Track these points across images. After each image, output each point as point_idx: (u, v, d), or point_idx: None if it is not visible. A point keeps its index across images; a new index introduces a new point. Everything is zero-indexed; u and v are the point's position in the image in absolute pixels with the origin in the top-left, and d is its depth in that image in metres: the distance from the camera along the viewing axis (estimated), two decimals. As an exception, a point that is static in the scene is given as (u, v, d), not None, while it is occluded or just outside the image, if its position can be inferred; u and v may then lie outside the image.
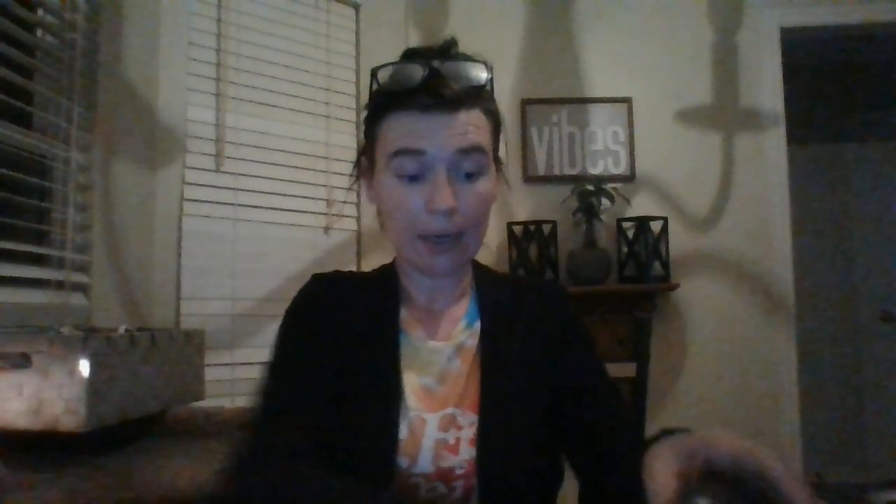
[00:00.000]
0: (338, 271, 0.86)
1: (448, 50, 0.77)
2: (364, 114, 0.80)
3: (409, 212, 0.73)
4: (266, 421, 0.73)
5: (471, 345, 0.80)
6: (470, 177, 0.73)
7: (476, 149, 0.72)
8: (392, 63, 0.74)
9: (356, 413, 0.74)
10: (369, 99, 0.77)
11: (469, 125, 0.72)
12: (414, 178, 0.72)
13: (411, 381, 0.77)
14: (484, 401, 0.75)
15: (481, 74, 0.75)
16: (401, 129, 0.73)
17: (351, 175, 0.86)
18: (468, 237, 0.75)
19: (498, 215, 2.54)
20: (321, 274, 0.85)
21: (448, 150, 0.71)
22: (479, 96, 0.75)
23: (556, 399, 0.79)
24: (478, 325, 0.81)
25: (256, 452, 0.69)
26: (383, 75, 0.74)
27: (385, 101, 0.74)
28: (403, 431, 0.73)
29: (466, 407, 0.76)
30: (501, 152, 0.83)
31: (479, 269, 0.87)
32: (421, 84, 0.71)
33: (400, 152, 0.72)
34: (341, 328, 0.79)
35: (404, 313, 0.82)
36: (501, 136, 0.82)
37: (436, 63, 0.73)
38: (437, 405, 0.76)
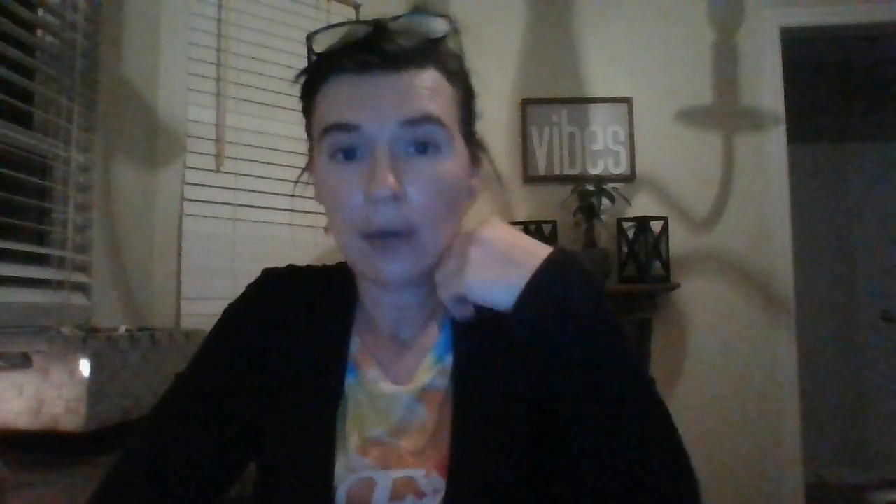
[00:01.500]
0: (292, 267, 0.71)
1: (409, 12, 0.60)
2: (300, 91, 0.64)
3: (345, 204, 0.57)
4: (138, 447, 0.61)
5: (439, 387, 0.62)
6: (422, 153, 0.57)
7: (427, 118, 0.57)
8: (333, 25, 0.60)
9: (284, 468, 0.60)
10: (304, 68, 0.63)
11: (419, 88, 0.57)
12: (350, 158, 0.58)
13: (356, 434, 0.60)
14: (455, 461, 0.57)
15: (438, 27, 0.60)
16: (334, 98, 0.58)
17: (303, 172, 0.69)
18: (424, 234, 0.57)
19: (497, 215, 2.54)
20: (273, 270, 0.71)
21: (389, 121, 0.56)
22: (436, 53, 0.60)
23: (549, 433, 0.59)
24: (450, 359, 0.63)
25: (113, 485, 0.59)
26: (322, 42, 0.60)
27: (320, 65, 0.60)
28: (342, 499, 0.57)
29: (431, 467, 0.58)
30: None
31: None
32: (361, 40, 0.57)
33: (330, 129, 0.57)
34: (280, 346, 0.65)
35: (357, 342, 0.65)
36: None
37: (385, 20, 0.59)
38: (391, 461, 0.59)
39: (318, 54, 0.60)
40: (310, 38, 0.60)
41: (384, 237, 0.57)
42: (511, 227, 0.59)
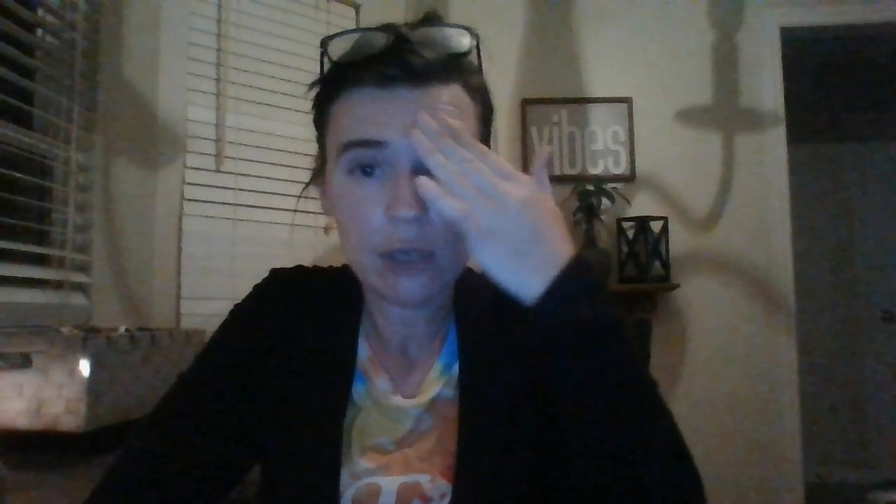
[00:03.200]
0: (301, 268, 0.70)
1: (426, 20, 0.59)
2: (314, 97, 0.62)
3: (364, 221, 0.56)
4: (138, 447, 0.60)
5: (446, 397, 0.62)
6: None
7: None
8: (349, 31, 0.58)
9: (290, 474, 0.60)
10: (319, 77, 0.61)
11: (444, 105, 0.55)
12: (369, 174, 0.56)
13: (362, 441, 0.61)
14: (461, 466, 0.57)
15: (462, 40, 0.58)
16: (354, 113, 0.56)
17: (310, 182, 0.66)
18: (443, 255, 0.56)
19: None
20: (281, 270, 0.69)
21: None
22: (459, 68, 0.58)
23: (554, 437, 0.58)
24: (456, 369, 0.63)
25: (108, 488, 0.58)
26: (337, 48, 0.58)
27: (337, 76, 0.58)
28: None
29: (437, 472, 0.58)
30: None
31: (460, 282, 0.67)
32: (382, 52, 0.56)
33: (352, 144, 0.55)
34: (287, 348, 0.64)
35: (366, 350, 0.65)
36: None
37: (404, 30, 0.57)
38: (397, 468, 0.59)
39: (334, 62, 0.58)
40: (324, 44, 0.58)
41: (403, 257, 0.55)
42: (544, 199, 0.56)
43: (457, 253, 0.57)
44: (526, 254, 0.51)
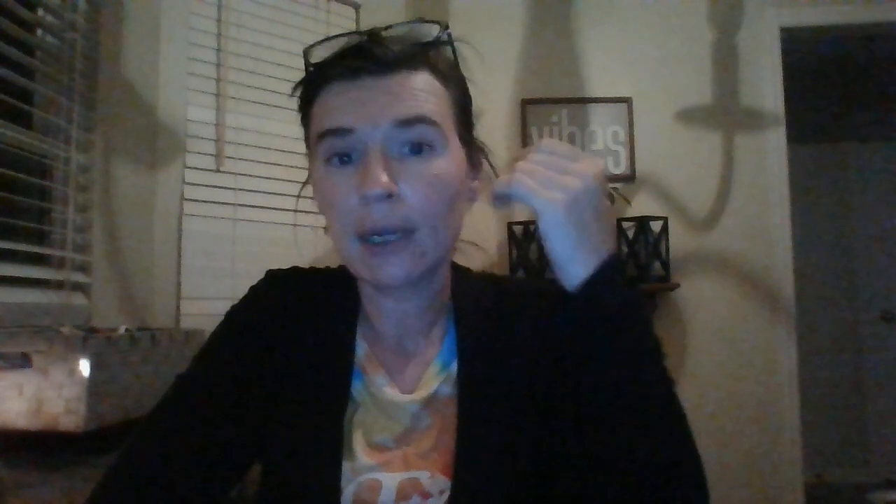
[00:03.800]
0: (296, 269, 0.71)
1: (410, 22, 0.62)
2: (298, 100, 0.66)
3: (340, 206, 0.57)
4: (138, 448, 0.60)
5: (445, 394, 0.63)
6: (416, 153, 0.57)
7: (419, 119, 0.57)
8: (328, 38, 0.61)
9: (291, 471, 0.61)
10: (298, 82, 0.64)
11: (411, 90, 0.57)
12: (346, 163, 0.58)
13: (362, 438, 0.61)
14: (460, 464, 0.58)
15: (429, 31, 0.61)
16: (327, 106, 0.59)
17: (306, 182, 0.68)
18: (422, 234, 0.57)
19: (498, 215, 2.54)
20: (276, 272, 0.70)
21: (382, 123, 0.56)
22: (426, 56, 0.60)
23: (553, 433, 0.59)
24: (455, 366, 0.63)
25: (108, 489, 0.58)
26: (317, 55, 0.61)
27: (313, 76, 0.61)
28: (348, 499, 0.58)
29: (436, 469, 0.59)
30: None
31: (458, 279, 0.69)
32: (352, 48, 0.59)
33: (325, 134, 0.58)
34: (284, 348, 0.65)
35: (364, 347, 0.66)
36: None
37: (377, 29, 0.60)
38: (397, 465, 0.60)
39: (311, 64, 0.62)
40: (306, 52, 0.61)
41: (380, 237, 0.56)
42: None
43: (438, 232, 0.58)
44: (590, 227, 0.53)
